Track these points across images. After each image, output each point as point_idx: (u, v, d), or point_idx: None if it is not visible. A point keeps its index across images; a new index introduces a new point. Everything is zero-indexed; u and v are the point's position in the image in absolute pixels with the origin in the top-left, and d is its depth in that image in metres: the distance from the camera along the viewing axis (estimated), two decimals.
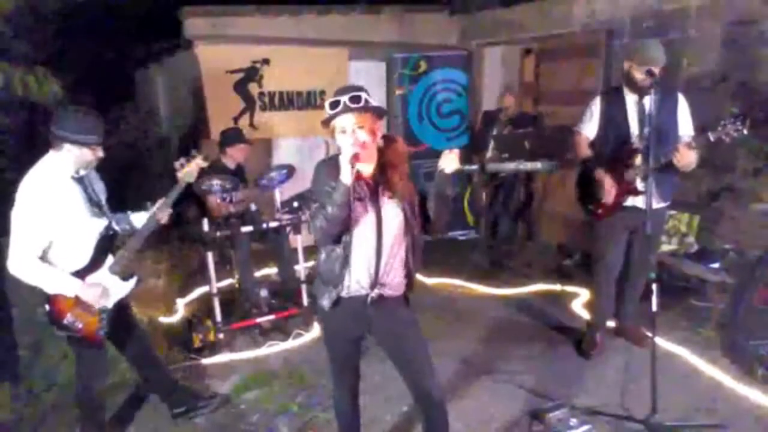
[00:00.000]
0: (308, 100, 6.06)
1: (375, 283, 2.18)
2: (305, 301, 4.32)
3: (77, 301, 2.57)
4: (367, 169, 2.12)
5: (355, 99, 2.02)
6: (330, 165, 2.11)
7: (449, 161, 2.14)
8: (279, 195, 4.41)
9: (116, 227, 2.76)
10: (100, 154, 2.60)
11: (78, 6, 5.25)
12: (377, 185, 2.14)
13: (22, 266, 2.46)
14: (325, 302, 2.22)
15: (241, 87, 5.71)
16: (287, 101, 5.96)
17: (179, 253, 5.22)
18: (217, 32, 5.52)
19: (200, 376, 3.61)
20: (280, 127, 5.96)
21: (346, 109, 2.02)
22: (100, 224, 2.65)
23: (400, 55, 6.22)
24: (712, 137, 2.90)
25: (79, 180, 2.60)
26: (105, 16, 6.09)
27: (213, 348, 3.88)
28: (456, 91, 6.46)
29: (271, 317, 4.18)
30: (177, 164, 2.86)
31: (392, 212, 2.14)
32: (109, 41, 6.68)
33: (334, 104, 2.03)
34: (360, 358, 2.45)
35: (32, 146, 4.48)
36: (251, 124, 5.76)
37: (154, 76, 7.45)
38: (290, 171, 4.42)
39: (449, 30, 6.60)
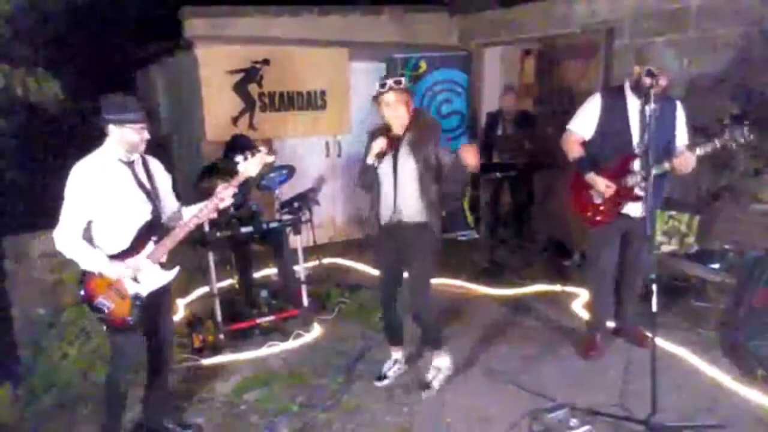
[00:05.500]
0: (308, 101, 6.06)
1: (395, 211, 3.07)
2: (305, 301, 4.33)
3: (110, 283, 2.61)
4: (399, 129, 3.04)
5: (398, 82, 2.99)
6: (372, 135, 3.09)
7: (471, 155, 3.00)
8: (279, 195, 4.41)
9: (162, 215, 2.78)
10: (146, 135, 2.65)
11: (78, 7, 5.25)
12: (399, 141, 3.02)
13: (62, 241, 2.57)
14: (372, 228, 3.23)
15: (241, 87, 5.70)
16: (287, 102, 5.96)
17: (180, 254, 5.21)
18: (217, 32, 5.52)
19: (200, 377, 3.61)
20: (280, 128, 5.95)
21: (390, 89, 2.96)
22: (145, 209, 2.68)
23: (400, 56, 6.21)
24: (718, 143, 2.91)
25: (129, 164, 2.65)
26: (105, 16, 6.10)
27: (213, 348, 3.87)
28: (456, 91, 6.46)
29: (271, 318, 4.18)
30: (239, 158, 2.89)
31: (407, 163, 3.02)
32: (110, 41, 6.69)
33: (383, 85, 2.98)
34: (402, 272, 3.30)
35: (32, 148, 4.49)
36: (251, 125, 5.76)
37: (154, 76, 7.45)
38: (290, 171, 4.42)
39: (449, 30, 6.61)
